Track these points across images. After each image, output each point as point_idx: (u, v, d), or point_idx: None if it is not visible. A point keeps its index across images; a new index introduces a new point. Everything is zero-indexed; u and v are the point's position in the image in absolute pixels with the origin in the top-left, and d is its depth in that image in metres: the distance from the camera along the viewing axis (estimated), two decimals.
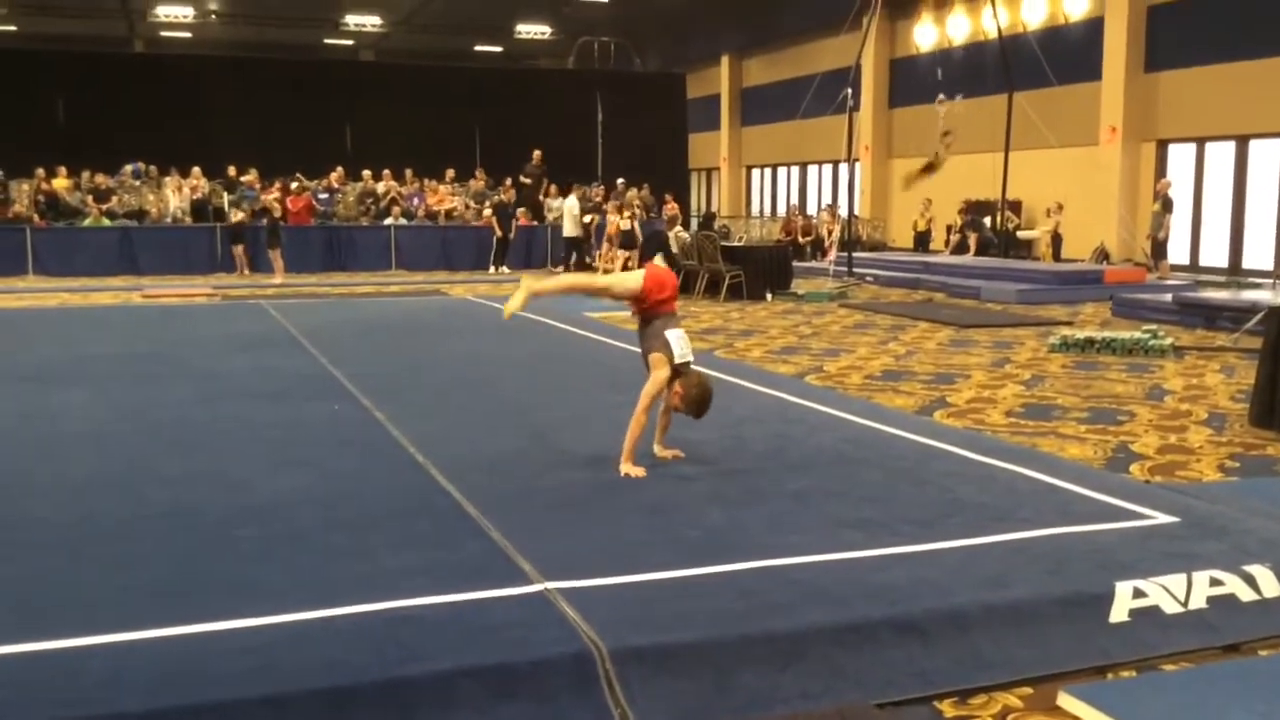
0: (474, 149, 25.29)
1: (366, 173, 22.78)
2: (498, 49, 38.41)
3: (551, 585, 3.66)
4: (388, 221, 21.57)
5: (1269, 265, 17.98)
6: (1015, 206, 21.67)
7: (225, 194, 21.07)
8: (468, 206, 22.42)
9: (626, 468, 5.20)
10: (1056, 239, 20.26)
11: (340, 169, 22.98)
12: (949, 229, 22.37)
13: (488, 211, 21.41)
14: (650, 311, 5.38)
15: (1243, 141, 18.83)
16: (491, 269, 20.58)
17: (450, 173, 23.48)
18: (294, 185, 21.37)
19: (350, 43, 37.51)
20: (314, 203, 21.48)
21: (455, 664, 3.09)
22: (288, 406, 7.03)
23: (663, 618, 3.40)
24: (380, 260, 20.84)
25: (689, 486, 5.06)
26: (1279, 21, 17.56)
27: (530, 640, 3.23)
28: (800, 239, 23.96)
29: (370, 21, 34.13)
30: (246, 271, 19.05)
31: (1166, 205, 17.33)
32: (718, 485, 5.08)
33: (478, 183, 23.35)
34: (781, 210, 31.41)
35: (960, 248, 21.34)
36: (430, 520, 4.52)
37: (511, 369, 8.82)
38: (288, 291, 16.24)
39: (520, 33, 35.26)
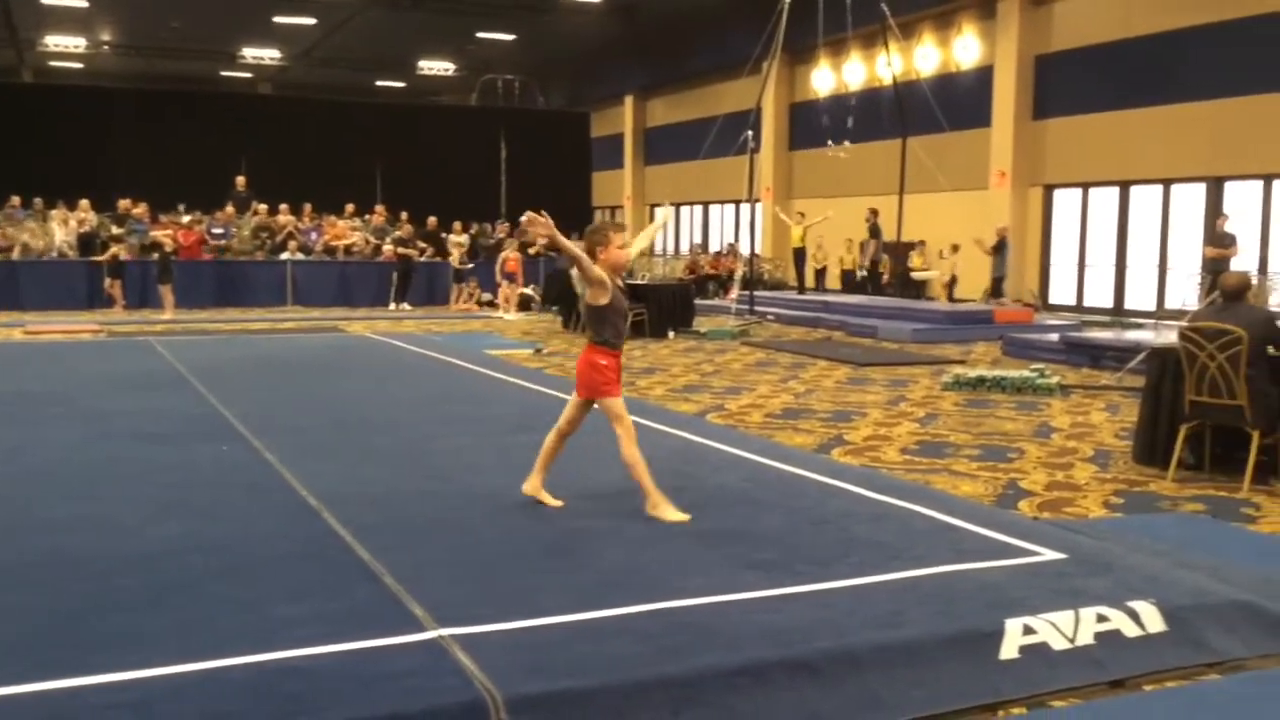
0: (374, 184, 25.10)
1: (262, 206, 22.37)
2: (400, 84, 38.19)
3: (445, 631, 3.58)
4: (284, 256, 21.20)
5: (1150, 306, 18.68)
6: (917, 247, 22.21)
7: (114, 228, 20.48)
8: (367, 242, 22.15)
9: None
10: (954, 280, 20.79)
11: (246, 199, 22.50)
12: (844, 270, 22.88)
13: (388, 247, 21.22)
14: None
15: (1125, 187, 19.59)
16: (392, 305, 20.36)
17: (350, 208, 23.20)
18: (186, 219, 20.89)
19: (249, 75, 36.92)
20: (207, 236, 21.02)
21: (344, 716, 3.00)
22: (175, 448, 6.82)
23: (558, 664, 3.35)
24: (276, 296, 20.46)
25: (589, 526, 5.02)
26: (1159, 72, 18.39)
27: (423, 689, 3.16)
28: (710, 272, 24.84)
29: (269, 55, 33.65)
30: (121, 306, 18.46)
31: (1000, 247, 18.58)
32: (618, 525, 5.04)
33: (378, 218, 23.11)
34: (685, 249, 31.72)
35: (875, 265, 21.97)
36: (321, 565, 4.41)
37: (411, 408, 8.70)
38: (178, 328, 15.82)
39: (423, 69, 35.14)
